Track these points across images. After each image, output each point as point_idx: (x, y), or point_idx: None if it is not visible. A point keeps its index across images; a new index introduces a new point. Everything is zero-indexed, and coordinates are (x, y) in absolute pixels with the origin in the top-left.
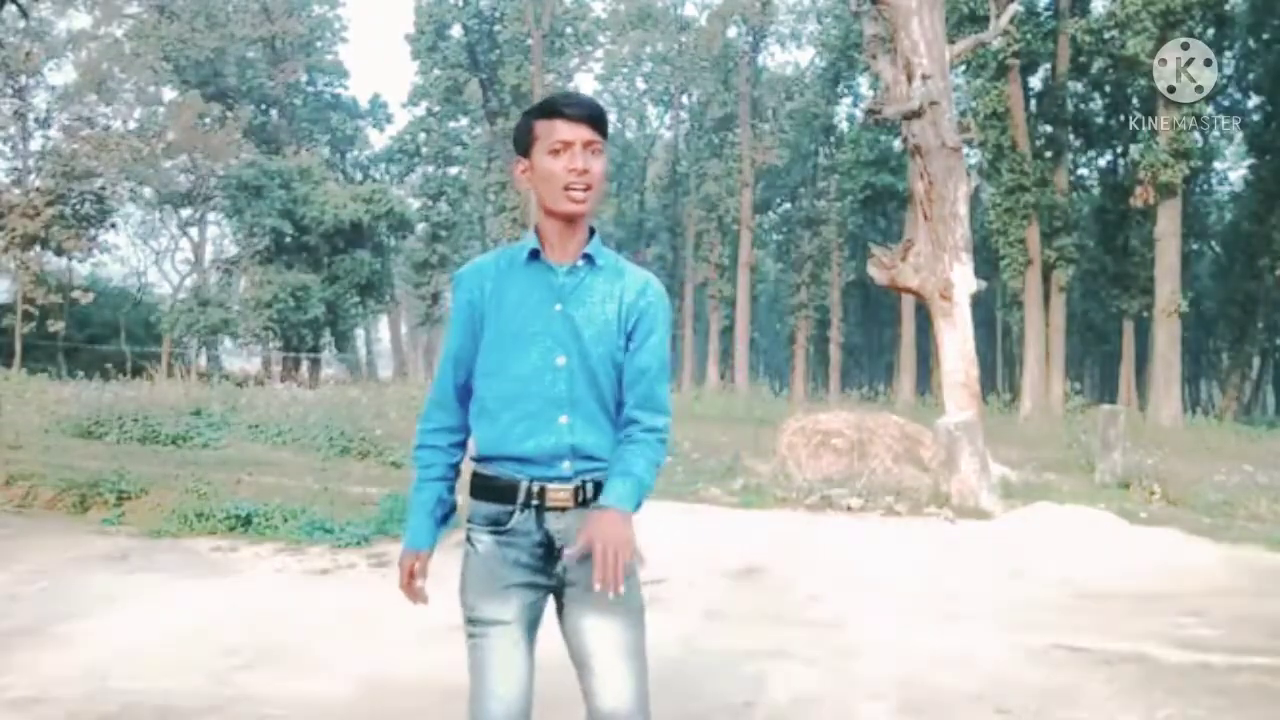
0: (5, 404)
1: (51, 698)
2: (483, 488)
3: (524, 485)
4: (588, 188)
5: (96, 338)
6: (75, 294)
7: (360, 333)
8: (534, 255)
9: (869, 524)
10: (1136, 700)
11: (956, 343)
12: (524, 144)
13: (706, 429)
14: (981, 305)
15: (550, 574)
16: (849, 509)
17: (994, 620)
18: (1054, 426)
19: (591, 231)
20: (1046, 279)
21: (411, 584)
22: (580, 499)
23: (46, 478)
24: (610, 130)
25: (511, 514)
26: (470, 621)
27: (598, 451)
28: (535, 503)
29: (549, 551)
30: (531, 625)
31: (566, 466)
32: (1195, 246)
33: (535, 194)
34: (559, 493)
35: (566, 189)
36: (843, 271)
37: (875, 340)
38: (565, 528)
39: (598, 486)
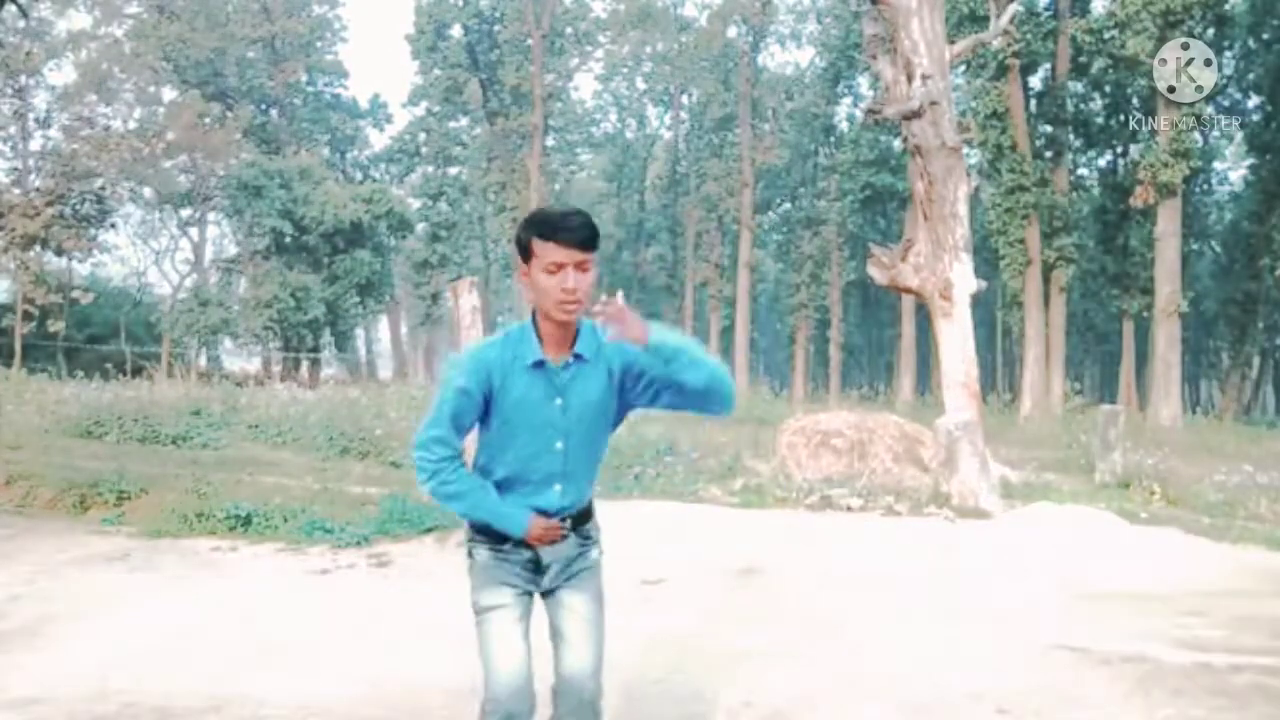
0: (5, 404)
1: (51, 698)
2: (480, 529)
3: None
4: (577, 303)
5: (96, 338)
6: (75, 294)
7: (360, 333)
8: (538, 364)
9: (869, 524)
10: (1136, 700)
11: (956, 343)
12: (524, 254)
13: (706, 429)
14: (981, 305)
15: (537, 583)
16: (849, 509)
17: (994, 620)
18: (1054, 426)
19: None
20: (1046, 279)
21: (549, 528)
22: (564, 534)
23: (46, 478)
24: (610, 130)
25: (505, 543)
26: (476, 613)
27: (581, 502)
28: (525, 540)
29: (537, 567)
30: (525, 613)
31: (553, 515)
32: (1195, 246)
33: (533, 299)
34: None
35: (559, 303)
36: (843, 271)
37: (875, 340)
38: (553, 551)
39: (574, 517)
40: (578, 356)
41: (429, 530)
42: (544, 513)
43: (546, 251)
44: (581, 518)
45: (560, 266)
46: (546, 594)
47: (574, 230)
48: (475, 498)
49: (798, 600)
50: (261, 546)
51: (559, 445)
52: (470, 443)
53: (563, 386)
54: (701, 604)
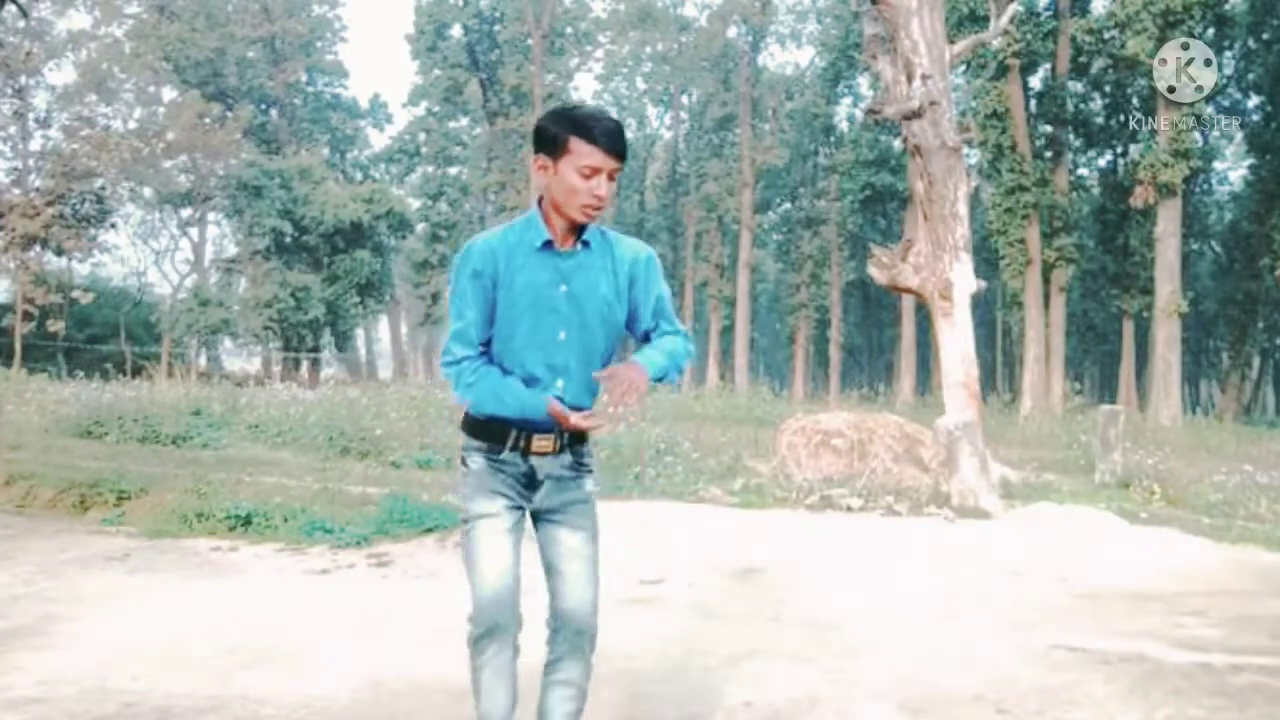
0: (5, 404)
1: (51, 698)
2: (476, 428)
3: (513, 433)
4: (600, 208)
5: (96, 338)
6: (75, 294)
7: (360, 333)
8: (546, 245)
9: (869, 524)
10: (1136, 700)
11: (956, 343)
12: (553, 149)
13: (706, 429)
14: (981, 305)
15: (530, 499)
16: (849, 509)
17: (994, 620)
18: (1054, 426)
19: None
20: (1046, 279)
21: (568, 416)
22: (559, 446)
23: (46, 478)
24: None
25: (501, 451)
26: (464, 521)
27: (581, 406)
28: (521, 446)
29: (531, 480)
30: (515, 526)
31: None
32: (1195, 246)
33: (547, 191)
34: (542, 441)
35: (585, 206)
36: (843, 271)
37: (875, 340)
38: (548, 464)
39: (575, 435)
40: (584, 244)
41: (429, 530)
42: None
43: (586, 154)
44: (578, 437)
45: (596, 171)
46: (539, 520)
47: (617, 138)
48: (493, 382)
49: (798, 600)
50: (261, 546)
51: (562, 335)
52: None
53: (568, 273)
54: (701, 604)
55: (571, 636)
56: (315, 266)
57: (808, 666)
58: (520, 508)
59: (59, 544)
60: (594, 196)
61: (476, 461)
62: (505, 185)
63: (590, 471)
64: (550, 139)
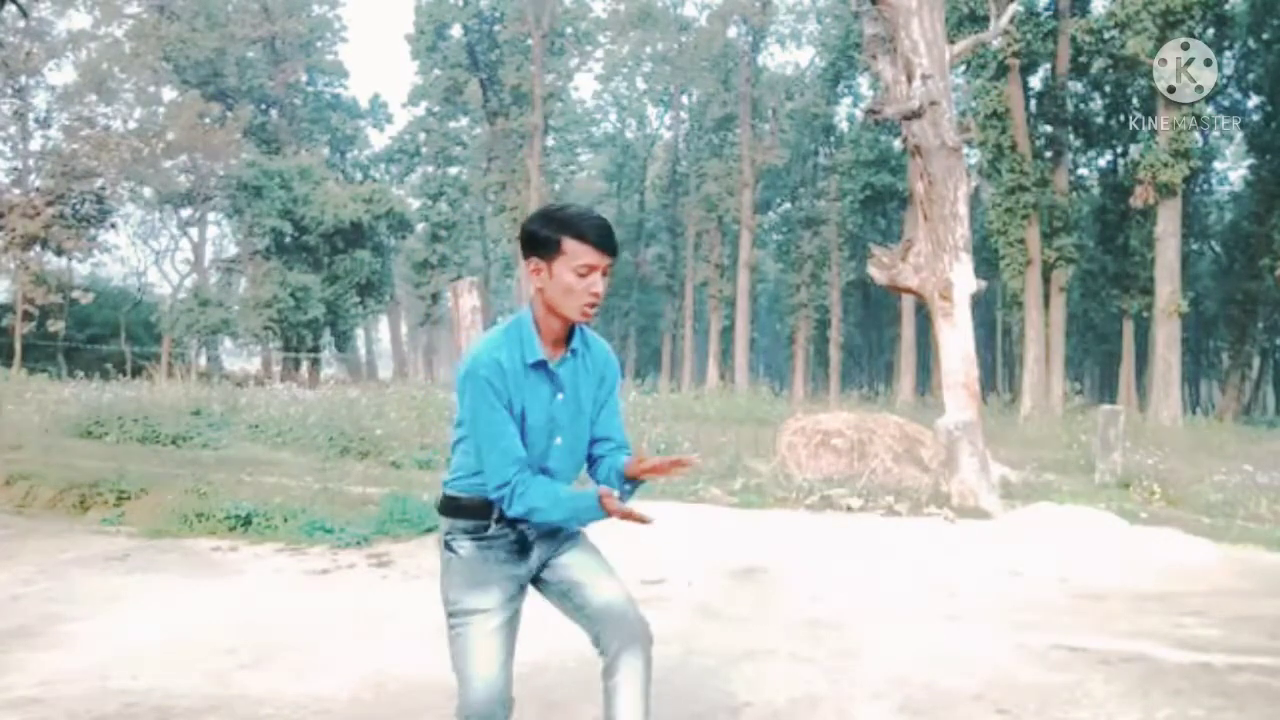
0: (5, 404)
1: (51, 698)
2: (458, 508)
3: (497, 508)
4: (597, 305)
5: (96, 338)
6: (75, 294)
7: (360, 333)
8: (538, 364)
9: (869, 524)
10: (1136, 700)
11: (956, 343)
12: (546, 251)
13: (706, 429)
14: (981, 305)
15: (526, 565)
16: (849, 509)
17: (994, 620)
18: (1054, 426)
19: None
20: (1046, 279)
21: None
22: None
23: (46, 478)
24: (610, 130)
25: (488, 526)
26: (452, 615)
27: None
28: (508, 519)
29: (523, 546)
30: (511, 617)
31: None
32: (1195, 246)
33: (541, 294)
34: None
35: (584, 305)
36: (843, 271)
37: (875, 340)
38: (534, 529)
39: None
40: (573, 352)
41: (429, 530)
42: None
43: (581, 253)
44: None
45: (592, 269)
46: (540, 574)
47: (609, 235)
48: (545, 489)
49: (798, 600)
50: (261, 546)
51: (558, 441)
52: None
53: (563, 382)
54: (701, 604)
55: (626, 627)
56: (315, 266)
57: (807, 666)
58: (516, 593)
59: (59, 544)
60: (591, 295)
61: (464, 547)
62: (505, 185)
63: None
64: (542, 241)
